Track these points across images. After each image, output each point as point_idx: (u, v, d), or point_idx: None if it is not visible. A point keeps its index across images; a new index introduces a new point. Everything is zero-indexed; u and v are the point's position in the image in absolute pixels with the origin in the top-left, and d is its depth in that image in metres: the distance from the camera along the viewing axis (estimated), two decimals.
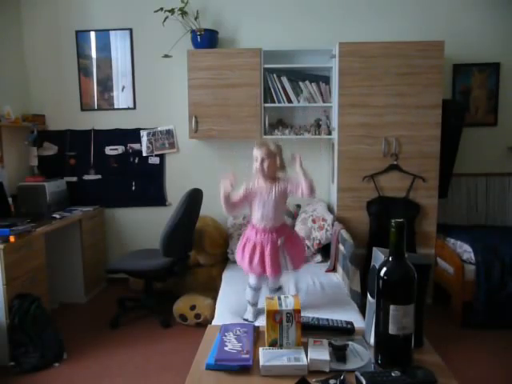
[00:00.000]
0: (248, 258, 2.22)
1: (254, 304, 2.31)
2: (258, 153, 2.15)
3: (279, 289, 2.37)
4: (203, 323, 2.91)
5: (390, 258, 1.10)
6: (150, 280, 3.22)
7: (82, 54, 3.80)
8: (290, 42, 3.62)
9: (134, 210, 3.92)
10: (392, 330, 1.08)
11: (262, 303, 2.38)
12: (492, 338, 2.81)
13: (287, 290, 2.55)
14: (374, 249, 1.27)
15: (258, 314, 2.27)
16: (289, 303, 1.21)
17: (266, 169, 2.14)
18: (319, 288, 2.68)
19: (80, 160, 3.87)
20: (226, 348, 1.20)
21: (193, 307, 3.02)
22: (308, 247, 3.21)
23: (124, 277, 3.48)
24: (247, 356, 1.15)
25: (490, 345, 2.74)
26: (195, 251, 3.34)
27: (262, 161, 2.13)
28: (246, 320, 2.27)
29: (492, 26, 3.60)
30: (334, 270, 3.02)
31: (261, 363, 1.11)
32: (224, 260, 3.39)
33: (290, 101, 3.50)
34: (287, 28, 3.66)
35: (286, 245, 2.22)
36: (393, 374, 1.01)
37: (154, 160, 3.85)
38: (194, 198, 3.10)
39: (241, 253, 2.28)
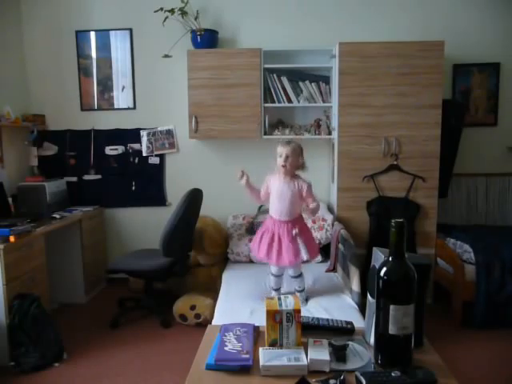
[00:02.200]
0: (266, 248, 2.36)
1: (277, 289, 2.50)
2: (283, 150, 2.30)
3: (300, 275, 2.47)
4: (203, 323, 2.91)
5: (390, 258, 1.10)
6: (150, 280, 3.22)
7: (82, 54, 3.80)
8: (290, 42, 3.62)
9: (134, 210, 3.92)
10: (392, 330, 1.08)
11: (285, 288, 2.56)
12: (492, 338, 2.81)
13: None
14: (374, 249, 1.27)
15: None
16: (289, 303, 1.21)
17: (288, 165, 2.30)
18: (319, 288, 2.68)
19: (80, 160, 3.87)
20: (226, 348, 1.20)
21: (193, 307, 3.02)
22: None
23: (124, 277, 3.48)
24: (247, 356, 1.15)
25: (490, 345, 2.74)
26: (195, 251, 3.34)
27: (287, 157, 2.29)
28: None
29: (492, 25, 3.61)
30: (334, 269, 3.02)
31: (261, 363, 1.11)
32: (224, 260, 3.39)
33: (290, 101, 3.50)
34: (287, 28, 3.66)
35: (300, 235, 2.35)
36: (393, 374, 1.01)
37: (154, 160, 3.85)
38: (194, 198, 3.10)
39: (258, 242, 2.43)
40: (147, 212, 3.90)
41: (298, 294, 2.46)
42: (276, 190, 2.36)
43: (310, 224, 3.23)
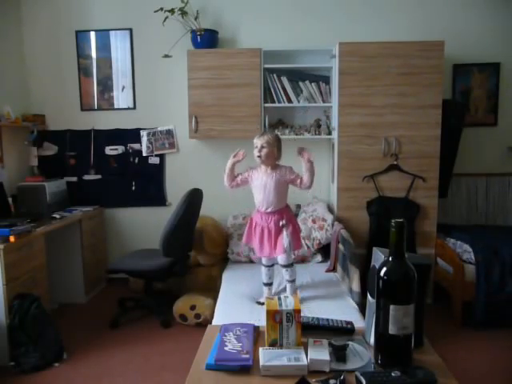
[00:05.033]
0: (258, 242, 2.43)
1: (268, 284, 2.54)
2: (257, 141, 2.37)
3: (291, 265, 2.48)
4: (203, 323, 2.91)
5: (390, 258, 1.10)
6: (150, 280, 3.22)
7: (82, 54, 3.80)
8: (290, 42, 3.62)
9: (134, 210, 3.92)
10: (392, 329, 1.08)
11: (278, 285, 2.64)
12: (492, 338, 2.81)
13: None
14: (374, 249, 1.27)
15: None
16: (289, 303, 1.21)
17: (263, 156, 2.34)
18: (319, 288, 2.68)
19: (80, 160, 3.87)
20: (226, 348, 1.20)
21: (193, 307, 3.02)
22: (308, 247, 3.21)
23: (124, 277, 3.48)
24: (247, 356, 1.15)
25: (490, 345, 2.74)
26: (195, 251, 3.33)
27: (261, 148, 2.34)
28: (258, 303, 2.43)
29: (492, 25, 3.60)
30: (333, 269, 3.02)
31: (261, 363, 1.11)
32: (224, 260, 3.39)
33: (290, 101, 3.50)
34: (287, 28, 3.66)
35: (287, 226, 2.39)
36: (393, 374, 1.01)
37: (154, 160, 3.85)
38: (194, 198, 3.10)
39: (249, 235, 2.49)
40: (147, 212, 3.90)
41: (288, 285, 2.50)
42: (260, 182, 2.40)
43: (309, 224, 3.24)
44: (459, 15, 3.60)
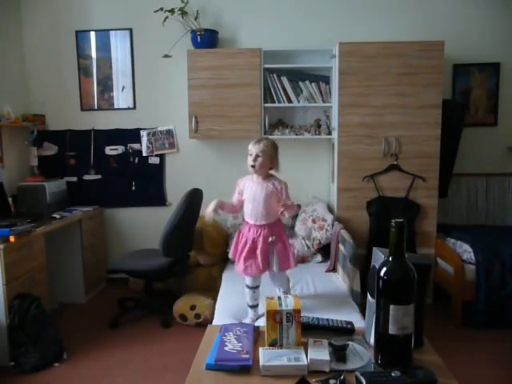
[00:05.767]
0: (238, 255, 2.24)
1: (253, 306, 2.27)
2: (252, 148, 2.17)
3: (285, 277, 2.34)
4: (203, 323, 2.91)
5: (390, 258, 1.10)
6: (150, 280, 3.22)
7: (82, 54, 3.80)
8: (290, 42, 3.62)
9: (134, 210, 3.92)
10: (392, 330, 1.08)
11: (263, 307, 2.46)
12: (492, 338, 2.81)
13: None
14: (374, 249, 1.27)
15: (257, 319, 2.25)
16: (289, 303, 1.21)
17: (257, 165, 2.15)
18: (319, 288, 2.68)
19: (80, 160, 3.87)
20: (226, 348, 1.20)
21: (193, 307, 3.02)
22: (308, 247, 3.22)
23: (124, 277, 3.48)
24: (247, 356, 1.15)
25: (490, 345, 2.73)
26: (195, 251, 3.34)
27: (256, 157, 2.15)
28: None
29: (492, 25, 3.60)
30: (334, 269, 3.02)
31: (261, 363, 1.11)
32: (224, 260, 3.38)
33: (290, 101, 3.50)
34: (287, 28, 3.66)
35: (276, 243, 2.21)
36: (393, 374, 1.01)
37: (154, 160, 3.85)
38: (194, 198, 3.10)
39: (235, 249, 2.30)
40: (147, 212, 3.90)
41: (282, 295, 2.42)
42: (249, 192, 2.21)
43: (309, 224, 3.24)
44: (459, 15, 3.60)
